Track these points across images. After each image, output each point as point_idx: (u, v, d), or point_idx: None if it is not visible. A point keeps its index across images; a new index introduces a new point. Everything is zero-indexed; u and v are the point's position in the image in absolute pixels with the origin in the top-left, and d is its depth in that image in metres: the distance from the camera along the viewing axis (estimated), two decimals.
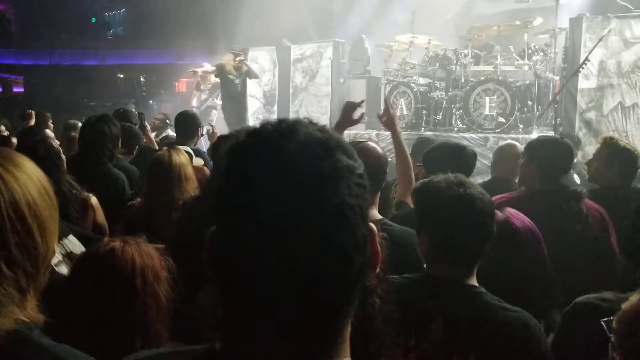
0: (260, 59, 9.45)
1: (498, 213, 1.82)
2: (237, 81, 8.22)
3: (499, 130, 6.36)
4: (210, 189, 2.10)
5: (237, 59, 8.22)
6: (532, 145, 2.88)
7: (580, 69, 5.85)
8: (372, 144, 2.35)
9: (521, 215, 2.02)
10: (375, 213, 2.20)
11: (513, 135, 5.95)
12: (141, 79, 13.48)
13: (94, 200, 2.71)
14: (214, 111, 9.52)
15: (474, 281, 1.60)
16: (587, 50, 6.00)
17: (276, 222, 0.59)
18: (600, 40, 5.90)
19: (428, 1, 8.12)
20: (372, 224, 0.67)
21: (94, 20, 17.14)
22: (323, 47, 8.55)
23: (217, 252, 0.64)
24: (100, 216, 2.73)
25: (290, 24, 9.19)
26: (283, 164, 0.61)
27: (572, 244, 2.47)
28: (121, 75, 14.71)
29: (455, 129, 6.80)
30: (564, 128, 6.42)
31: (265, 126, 0.65)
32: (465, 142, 6.25)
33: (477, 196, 1.60)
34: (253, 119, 9.23)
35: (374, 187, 2.17)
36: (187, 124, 4.17)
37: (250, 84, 9.11)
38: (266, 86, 9.46)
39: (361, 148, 2.28)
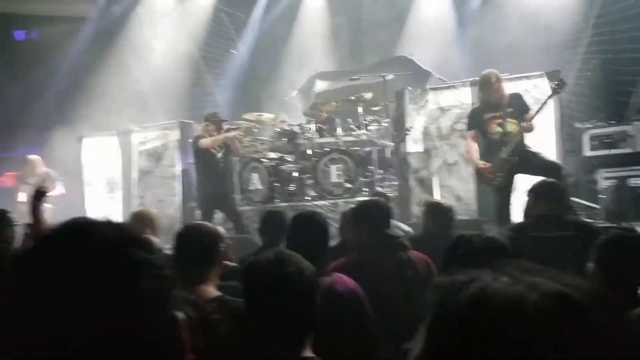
0: (99, 145, 8.98)
1: (324, 279, 1.95)
2: (219, 155, 6.77)
3: (347, 196, 6.80)
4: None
5: (227, 127, 6.93)
6: (357, 211, 3.19)
7: (407, 135, 6.58)
8: (205, 223, 2.54)
9: (345, 279, 2.18)
10: (210, 290, 2.24)
11: (359, 199, 6.40)
12: None
13: None
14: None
15: (308, 352, 1.62)
16: (412, 119, 6.81)
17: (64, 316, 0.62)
18: (419, 109, 6.72)
19: (270, 81, 8.61)
20: (178, 314, 0.71)
21: None
22: (169, 129, 8.46)
23: None
24: None
25: (134, 106, 9.02)
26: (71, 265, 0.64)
27: (404, 290, 2.71)
28: None
29: (308, 198, 7.12)
30: (401, 188, 7.10)
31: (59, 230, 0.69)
32: (318, 210, 6.73)
33: (294, 276, 1.62)
34: (93, 210, 8.66)
35: (207, 262, 2.31)
36: None
37: (88, 171, 8.61)
38: (106, 173, 8.92)
39: (192, 227, 2.47)
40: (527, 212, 3.61)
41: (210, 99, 9.54)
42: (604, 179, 6.34)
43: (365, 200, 3.76)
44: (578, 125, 7.08)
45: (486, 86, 5.31)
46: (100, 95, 9.18)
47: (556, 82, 5.36)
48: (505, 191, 5.28)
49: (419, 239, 3.68)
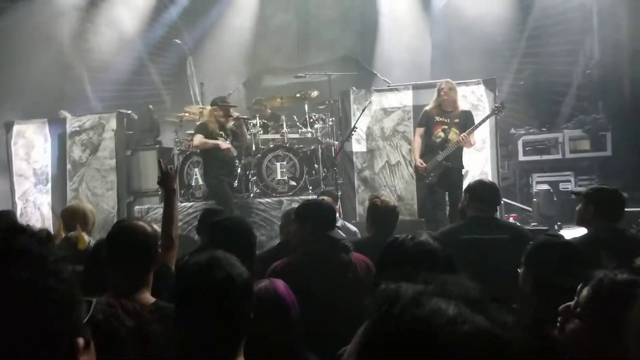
0: (29, 133, 8.42)
1: (260, 283, 1.96)
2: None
3: (291, 193, 6.77)
4: None
5: (236, 114, 6.55)
6: (300, 211, 3.14)
7: (352, 135, 6.64)
8: (140, 223, 2.33)
9: (278, 282, 2.17)
10: (146, 296, 2.16)
11: (304, 197, 6.39)
12: None
13: None
14: None
15: (241, 358, 1.60)
16: (356, 119, 6.88)
17: None
18: (363, 110, 6.79)
19: (215, 73, 8.42)
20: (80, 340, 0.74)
21: None
22: (105, 118, 8.06)
23: None
24: None
25: (69, 93, 8.51)
26: None
27: (345, 292, 2.70)
28: None
29: (252, 195, 7.02)
30: (345, 187, 7.16)
31: None
32: (261, 207, 6.66)
33: (224, 282, 1.58)
34: (22, 202, 8.11)
35: (145, 267, 2.20)
36: None
37: (17, 161, 8.05)
38: (36, 163, 8.37)
39: (126, 227, 2.30)
40: (462, 212, 3.71)
41: (150, 89, 9.18)
42: (537, 183, 6.71)
43: (308, 200, 3.76)
44: (513, 131, 7.44)
45: (441, 92, 5.77)
46: (32, 79, 8.57)
47: (497, 105, 5.87)
48: (436, 191, 5.81)
49: (362, 241, 3.71)
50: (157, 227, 2.56)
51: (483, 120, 5.74)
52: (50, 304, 0.70)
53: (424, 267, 1.78)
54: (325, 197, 4.46)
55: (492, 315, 0.63)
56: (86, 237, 3.55)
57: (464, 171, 6.00)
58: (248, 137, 6.99)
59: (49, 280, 0.69)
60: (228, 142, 6.40)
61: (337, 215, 4.63)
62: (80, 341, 0.77)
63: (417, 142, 5.94)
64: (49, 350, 0.70)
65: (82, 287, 0.78)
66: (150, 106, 8.26)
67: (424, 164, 5.75)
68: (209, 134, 6.25)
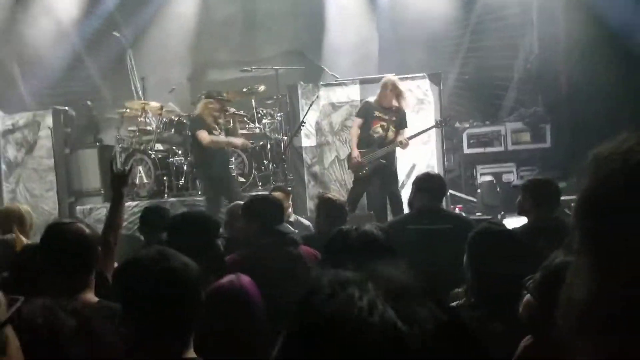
0: None
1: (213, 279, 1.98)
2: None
3: (241, 190, 6.64)
4: None
5: (232, 110, 6.34)
6: (247, 206, 3.17)
7: (300, 130, 6.59)
8: (79, 225, 2.27)
9: (244, 278, 2.15)
10: (89, 296, 2.14)
11: (254, 194, 6.28)
12: None
13: None
14: None
15: (191, 352, 1.59)
16: (304, 113, 6.83)
17: None
18: (311, 104, 6.76)
19: (158, 67, 8.16)
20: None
21: None
22: (40, 116, 7.67)
23: None
24: None
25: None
26: None
27: (293, 285, 2.70)
28: None
29: (199, 192, 6.86)
30: (295, 182, 7.11)
31: None
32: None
33: (169, 275, 1.58)
34: None
35: (84, 268, 2.16)
36: None
37: None
38: None
39: (62, 229, 2.25)
40: (410, 203, 3.82)
41: (88, 84, 8.79)
42: (481, 175, 6.89)
43: (256, 195, 3.76)
44: (458, 125, 7.60)
45: (383, 89, 5.82)
46: None
47: (441, 119, 6.05)
48: (363, 185, 5.95)
49: (312, 237, 3.74)
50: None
51: (424, 131, 5.90)
52: None
53: (367, 256, 1.79)
54: (277, 193, 4.44)
55: (406, 309, 0.62)
56: (24, 240, 3.43)
57: (411, 165, 6.10)
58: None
59: None
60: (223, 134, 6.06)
61: (290, 210, 4.67)
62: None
63: (356, 133, 5.94)
64: None
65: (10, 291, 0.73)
66: (89, 102, 7.93)
67: (359, 156, 5.82)
68: (203, 128, 5.77)
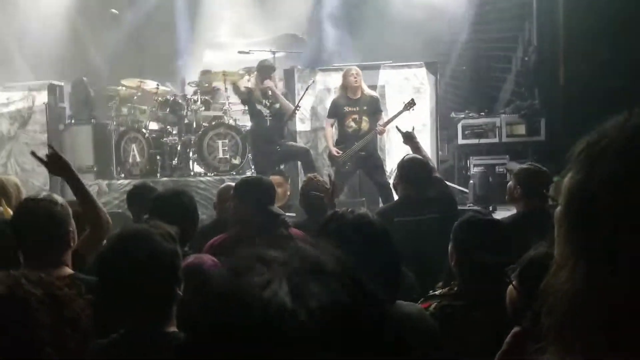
0: None
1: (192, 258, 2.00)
2: (265, 113, 6.27)
3: (234, 172, 6.64)
4: None
5: (271, 81, 6.28)
6: (239, 186, 3.15)
7: (295, 114, 6.57)
8: (50, 201, 2.18)
9: (205, 257, 2.18)
10: (64, 270, 2.14)
11: (246, 176, 6.28)
12: None
13: None
14: None
15: (173, 327, 1.61)
16: (299, 98, 6.80)
17: None
18: (307, 89, 6.72)
19: (157, 46, 8.08)
20: None
21: None
22: (36, 90, 7.62)
23: None
24: None
25: None
26: None
27: None
28: None
29: (192, 173, 6.85)
30: (288, 166, 7.09)
31: None
32: (202, 185, 6.51)
33: (150, 249, 1.61)
34: None
35: (56, 243, 2.15)
36: None
37: None
38: None
39: (31, 203, 2.21)
40: (394, 187, 3.87)
41: (86, 59, 8.70)
42: (474, 166, 6.90)
43: (248, 177, 3.76)
44: (453, 115, 7.60)
45: (351, 78, 5.88)
46: None
47: (409, 102, 5.87)
48: (349, 178, 6.09)
49: (301, 223, 3.79)
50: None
51: (397, 115, 5.75)
52: None
53: (363, 238, 1.80)
54: (275, 177, 4.46)
55: (304, 287, 0.61)
56: (10, 212, 3.38)
57: (404, 154, 6.03)
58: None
59: None
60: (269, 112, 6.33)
61: (287, 194, 4.71)
62: None
63: (329, 132, 6.07)
64: None
65: None
66: (85, 78, 7.87)
67: (339, 152, 5.87)
68: (252, 101, 6.29)
